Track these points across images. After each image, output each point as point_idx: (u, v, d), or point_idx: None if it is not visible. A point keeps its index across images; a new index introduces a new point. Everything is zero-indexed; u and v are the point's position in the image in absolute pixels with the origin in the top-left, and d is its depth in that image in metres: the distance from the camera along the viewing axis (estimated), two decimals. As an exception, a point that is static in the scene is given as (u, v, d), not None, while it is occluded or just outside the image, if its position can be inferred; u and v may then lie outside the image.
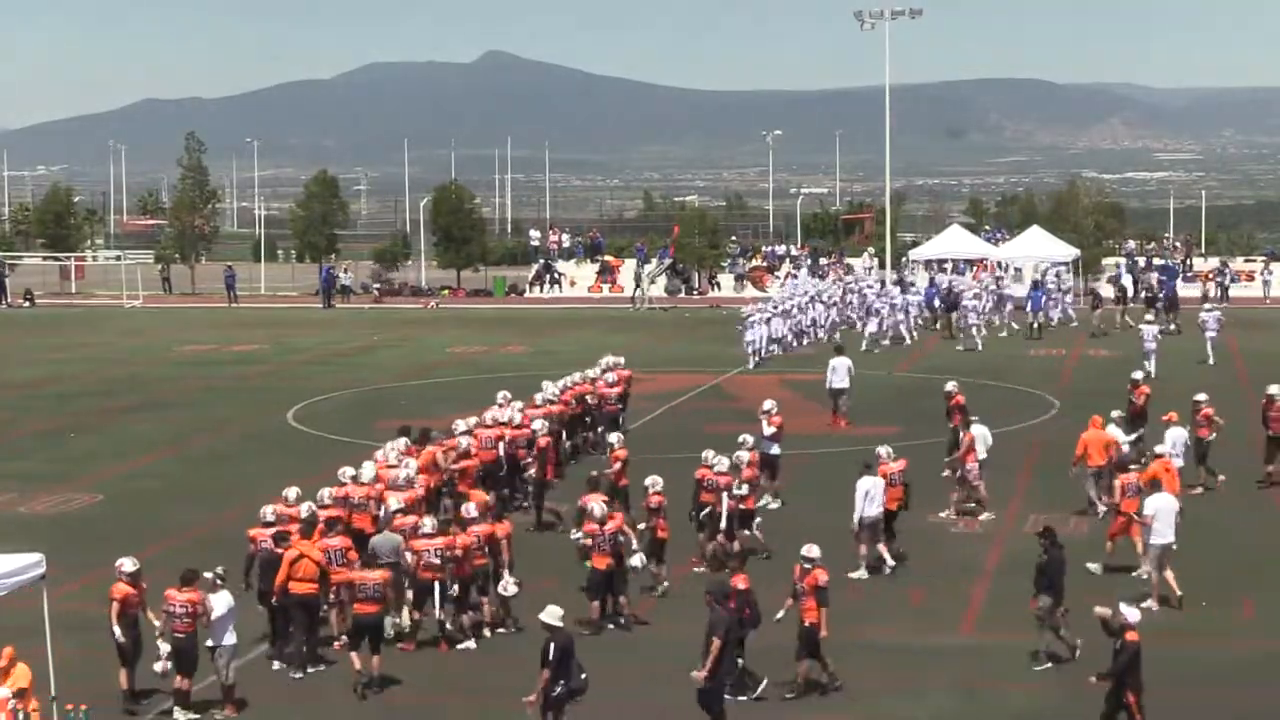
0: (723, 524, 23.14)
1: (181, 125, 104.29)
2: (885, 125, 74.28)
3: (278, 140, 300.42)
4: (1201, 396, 28.58)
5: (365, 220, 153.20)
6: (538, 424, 27.18)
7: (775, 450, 27.31)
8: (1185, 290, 64.80)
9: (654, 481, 22.34)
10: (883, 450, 24.10)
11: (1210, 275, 68.64)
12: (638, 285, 69.90)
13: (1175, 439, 26.58)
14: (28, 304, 74.83)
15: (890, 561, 23.13)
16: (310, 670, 19.09)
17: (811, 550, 18.17)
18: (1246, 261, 74.03)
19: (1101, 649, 16.62)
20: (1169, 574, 21.55)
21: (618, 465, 25.25)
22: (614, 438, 26.58)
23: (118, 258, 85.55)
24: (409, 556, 20.01)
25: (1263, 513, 27.00)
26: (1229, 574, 23.01)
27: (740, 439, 25.22)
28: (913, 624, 20.81)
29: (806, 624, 17.81)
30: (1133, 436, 27.05)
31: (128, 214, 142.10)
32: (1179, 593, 21.43)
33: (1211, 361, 45.78)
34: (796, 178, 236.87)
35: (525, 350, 52.38)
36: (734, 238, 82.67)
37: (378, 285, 77.55)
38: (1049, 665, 18.84)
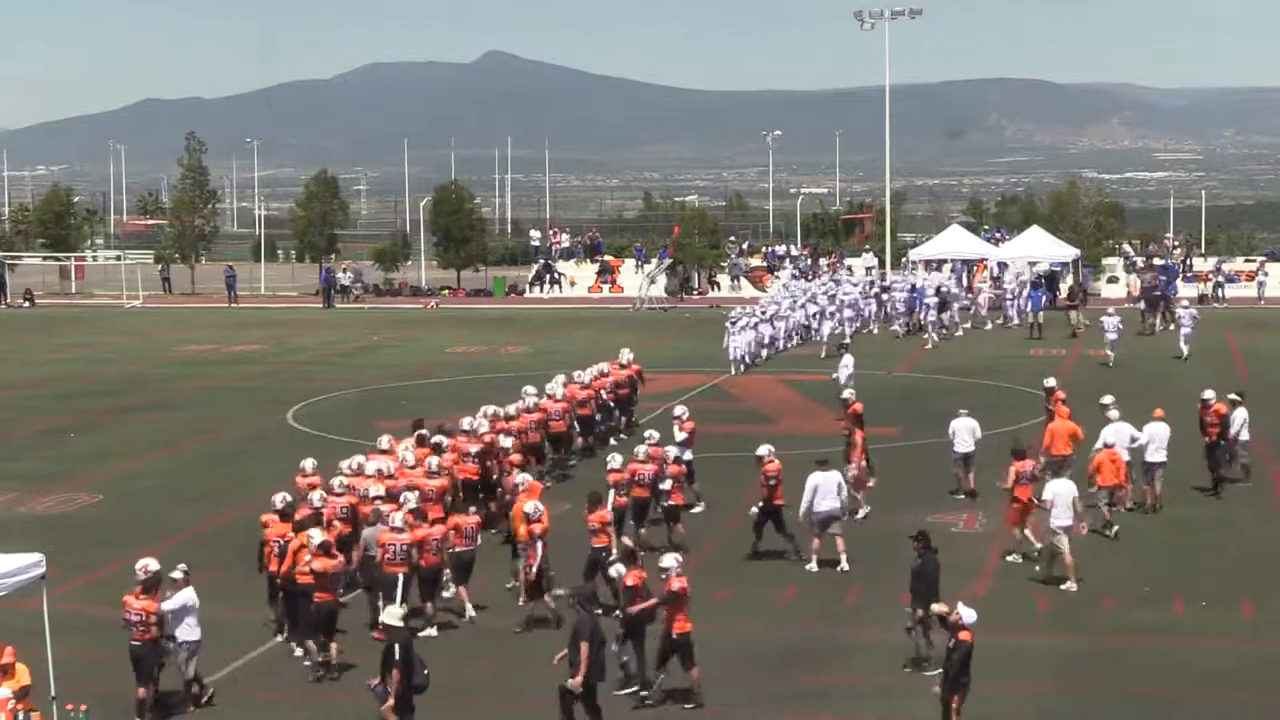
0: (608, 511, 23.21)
1: (181, 125, 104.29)
2: (885, 125, 74.30)
3: (278, 140, 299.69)
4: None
5: (365, 220, 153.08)
6: (475, 422, 26.98)
7: (688, 456, 27.10)
8: (1187, 290, 65.03)
9: (523, 480, 22.76)
10: (764, 449, 24.27)
11: (1209, 275, 68.84)
12: (654, 283, 70.15)
13: (1155, 434, 26.89)
14: (28, 304, 74.87)
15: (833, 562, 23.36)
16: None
17: (664, 560, 18.20)
18: (1246, 261, 74.02)
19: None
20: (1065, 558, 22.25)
21: (511, 470, 25.52)
22: (507, 442, 26.73)
23: (118, 258, 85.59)
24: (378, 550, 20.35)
25: (1262, 512, 26.99)
26: (1229, 574, 23.00)
27: (647, 434, 25.52)
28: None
29: (674, 634, 17.67)
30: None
31: (128, 214, 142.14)
32: (1073, 580, 21.99)
33: (1185, 357, 46.71)
34: (796, 178, 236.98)
35: (525, 350, 52.38)
36: (733, 238, 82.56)
37: (358, 284, 77.12)
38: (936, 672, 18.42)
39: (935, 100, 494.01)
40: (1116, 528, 24.89)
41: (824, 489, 23.25)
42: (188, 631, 17.82)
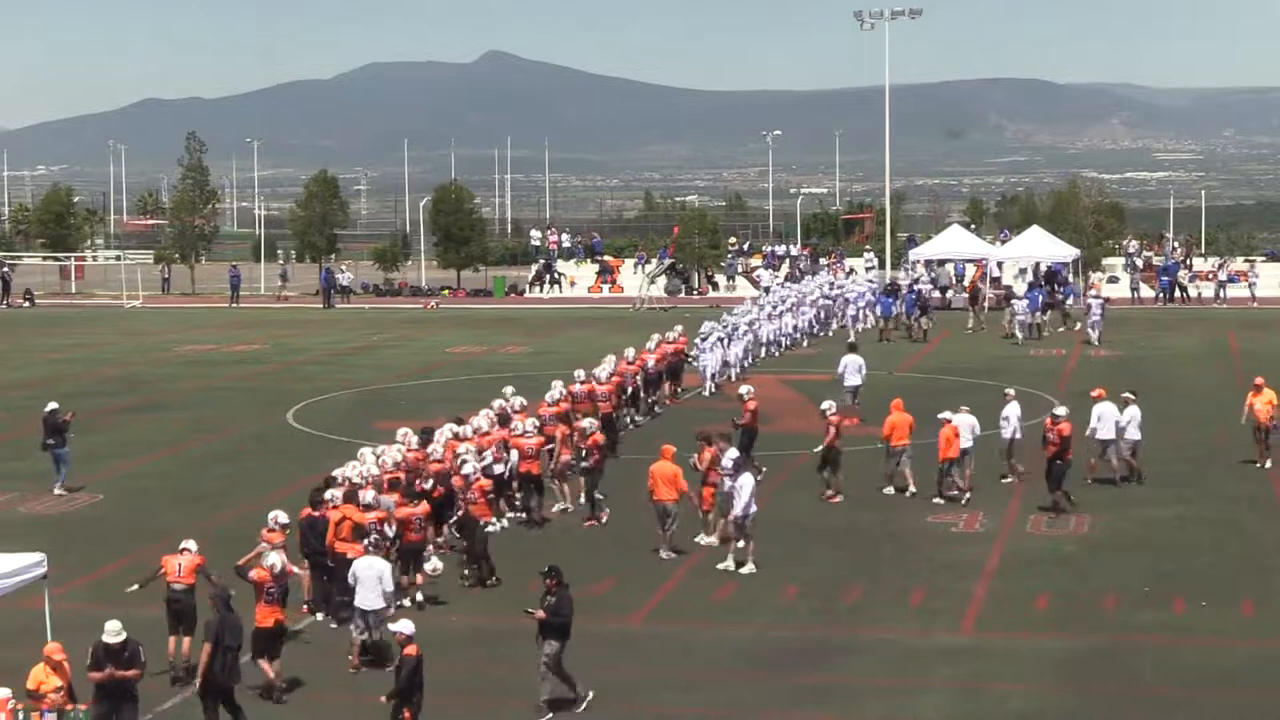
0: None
1: (181, 125, 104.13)
2: (885, 125, 74.27)
3: (278, 140, 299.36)
4: (826, 404, 28.37)
5: (365, 220, 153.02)
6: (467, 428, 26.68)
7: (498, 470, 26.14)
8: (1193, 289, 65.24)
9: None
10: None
11: (1211, 274, 68.94)
12: (654, 283, 70.21)
13: (1103, 414, 28.19)
14: (28, 304, 74.85)
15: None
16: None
17: (268, 558, 18.61)
18: (1245, 261, 74.01)
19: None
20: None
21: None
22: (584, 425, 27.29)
23: (118, 258, 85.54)
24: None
25: (1262, 512, 26.99)
26: (1229, 574, 23.00)
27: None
28: (913, 624, 20.81)
29: (257, 626, 17.90)
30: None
31: (128, 214, 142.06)
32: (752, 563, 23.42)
33: (1095, 342, 49.80)
34: (796, 178, 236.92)
35: (525, 350, 52.36)
36: (733, 238, 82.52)
37: (279, 285, 76.87)
38: (550, 716, 17.43)
39: (935, 100, 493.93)
40: (968, 494, 27.13)
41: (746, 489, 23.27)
42: (372, 600, 18.71)
